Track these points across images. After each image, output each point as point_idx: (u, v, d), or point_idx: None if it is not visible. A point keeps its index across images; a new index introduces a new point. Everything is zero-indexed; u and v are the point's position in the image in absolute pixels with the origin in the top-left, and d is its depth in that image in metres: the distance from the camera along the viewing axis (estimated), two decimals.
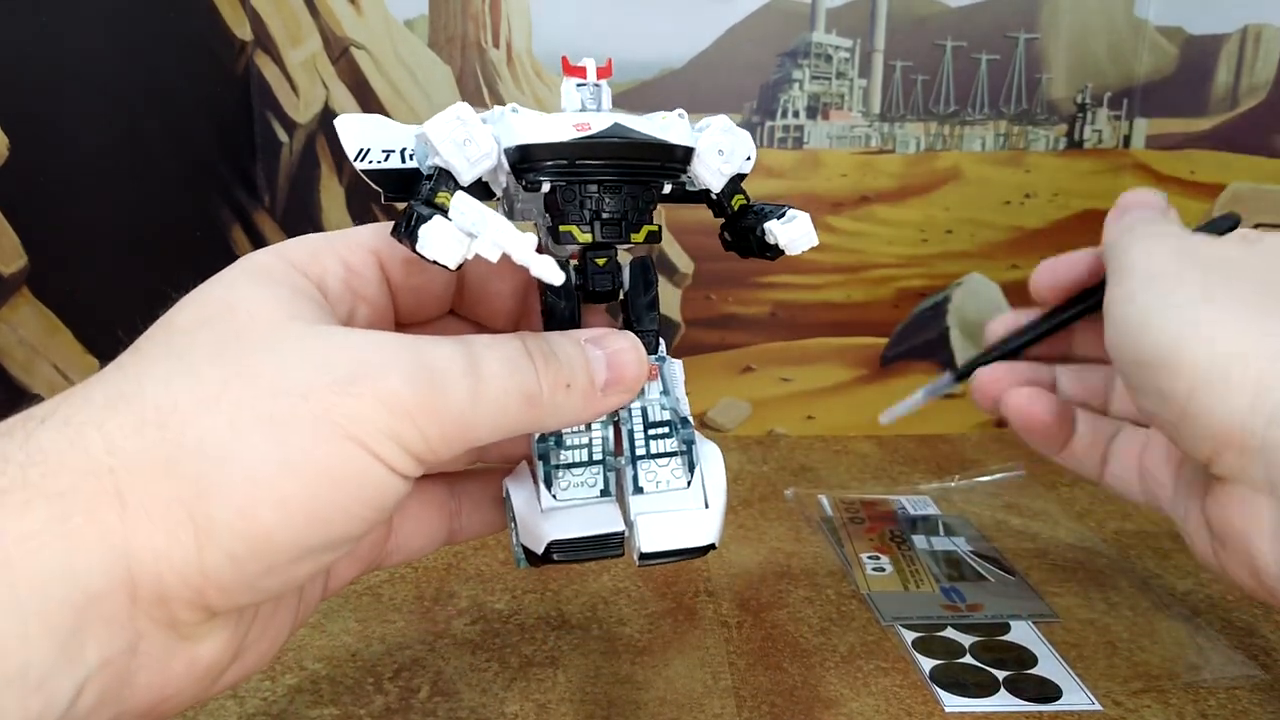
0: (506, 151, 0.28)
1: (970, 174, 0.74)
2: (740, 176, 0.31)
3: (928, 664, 0.44)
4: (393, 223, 0.28)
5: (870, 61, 0.72)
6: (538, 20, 0.69)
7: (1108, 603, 0.49)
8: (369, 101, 0.69)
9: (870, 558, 0.54)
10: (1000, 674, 0.43)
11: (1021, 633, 0.46)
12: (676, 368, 0.32)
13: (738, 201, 0.31)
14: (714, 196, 0.31)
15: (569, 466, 0.30)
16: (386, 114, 0.69)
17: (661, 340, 0.32)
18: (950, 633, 0.46)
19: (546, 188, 0.29)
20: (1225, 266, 0.29)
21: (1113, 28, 0.73)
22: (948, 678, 0.43)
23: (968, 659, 0.44)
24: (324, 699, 0.41)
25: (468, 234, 0.26)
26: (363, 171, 0.30)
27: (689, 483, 0.30)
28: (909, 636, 0.46)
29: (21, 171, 0.55)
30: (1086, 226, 0.76)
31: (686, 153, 0.29)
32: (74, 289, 0.59)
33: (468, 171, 0.28)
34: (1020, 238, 0.74)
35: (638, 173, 0.29)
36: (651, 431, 0.31)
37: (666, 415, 0.31)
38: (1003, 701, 0.41)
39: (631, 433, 0.31)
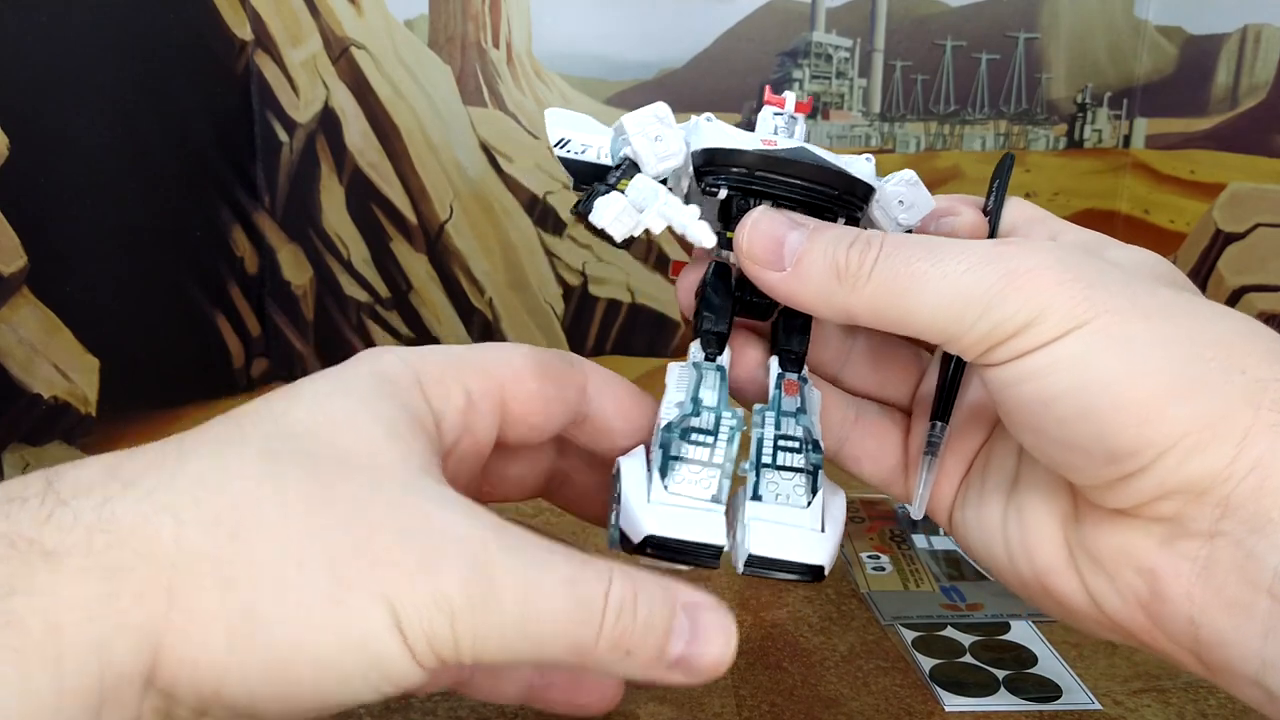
0: (693, 155, 0.30)
1: (970, 174, 0.74)
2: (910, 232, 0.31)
3: (928, 663, 0.44)
4: (573, 205, 0.30)
5: (870, 61, 0.72)
6: (538, 20, 0.69)
7: None
8: (369, 102, 0.69)
9: (870, 557, 0.54)
10: (1000, 673, 0.43)
11: (1021, 632, 0.46)
12: (816, 397, 0.32)
13: None
14: None
15: (688, 462, 0.29)
16: (387, 114, 0.69)
17: (805, 366, 0.32)
18: (950, 632, 0.46)
19: (723, 194, 0.30)
20: (1159, 313, 0.26)
21: (1113, 28, 0.73)
22: (948, 677, 0.43)
23: (968, 658, 0.44)
24: None
25: (638, 210, 0.28)
26: (559, 157, 0.31)
27: (809, 504, 0.30)
28: (909, 636, 0.46)
29: (21, 171, 0.55)
30: (1087, 226, 0.76)
31: (866, 191, 0.30)
32: (74, 289, 0.59)
33: (654, 165, 0.29)
34: None
35: (813, 196, 0.30)
36: (782, 443, 0.30)
37: (799, 431, 0.30)
38: (1003, 701, 0.41)
39: (761, 440, 0.30)
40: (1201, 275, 0.71)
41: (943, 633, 0.46)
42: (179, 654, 0.22)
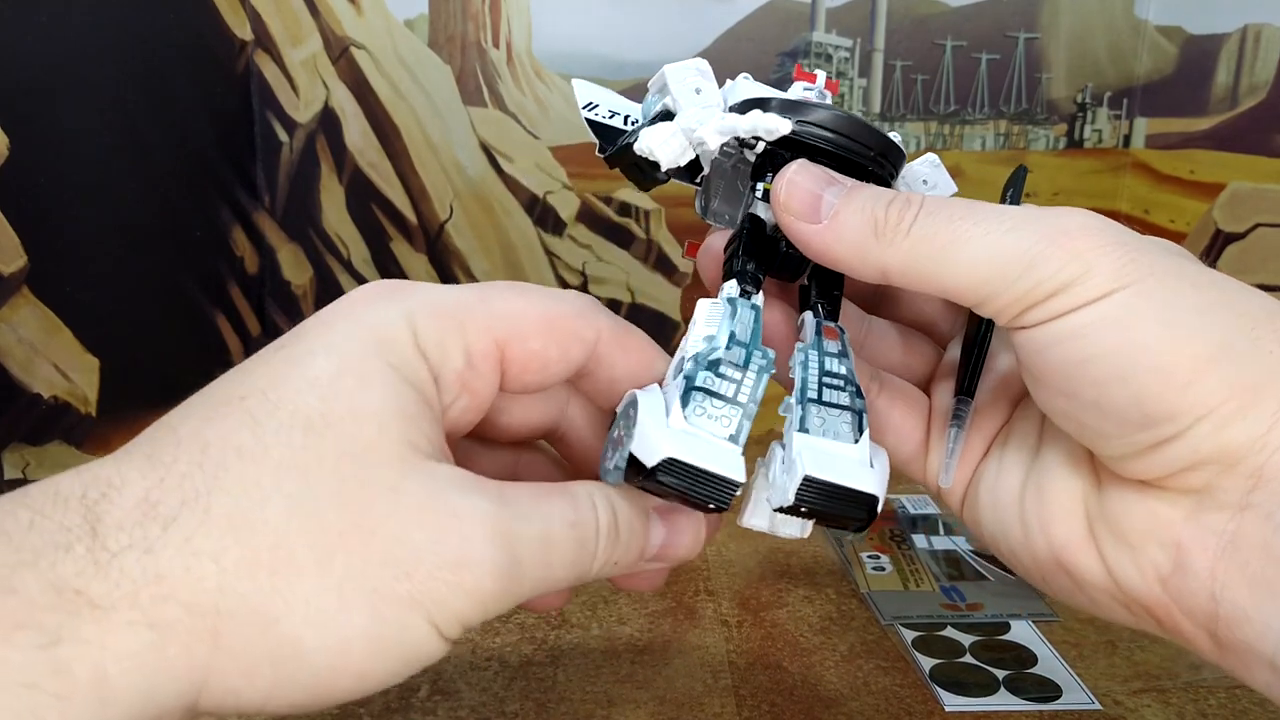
0: (732, 107, 0.29)
1: (971, 173, 0.74)
2: None
3: (928, 663, 0.44)
4: (599, 150, 0.31)
5: (870, 61, 0.72)
6: (538, 20, 0.69)
7: None
8: (369, 101, 0.69)
9: (870, 557, 0.54)
10: (1000, 673, 0.43)
11: (1021, 632, 0.46)
12: (851, 354, 0.31)
13: None
14: None
15: (712, 395, 0.28)
16: (387, 114, 0.69)
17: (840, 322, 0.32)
18: (950, 632, 0.46)
19: (762, 146, 0.29)
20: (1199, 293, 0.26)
21: (1113, 28, 0.73)
22: (948, 677, 0.43)
23: (968, 658, 0.44)
24: None
25: (690, 131, 0.28)
26: (587, 120, 0.32)
27: (858, 440, 0.29)
28: (909, 636, 0.46)
29: (21, 171, 0.55)
30: None
31: (899, 157, 0.30)
32: (74, 289, 0.59)
33: (692, 116, 0.29)
34: None
35: (851, 153, 0.29)
36: (827, 380, 0.29)
37: (844, 370, 0.29)
38: (1003, 701, 0.41)
39: (805, 377, 0.29)
40: None
41: (943, 633, 0.46)
42: (224, 688, 0.23)
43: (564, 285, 0.73)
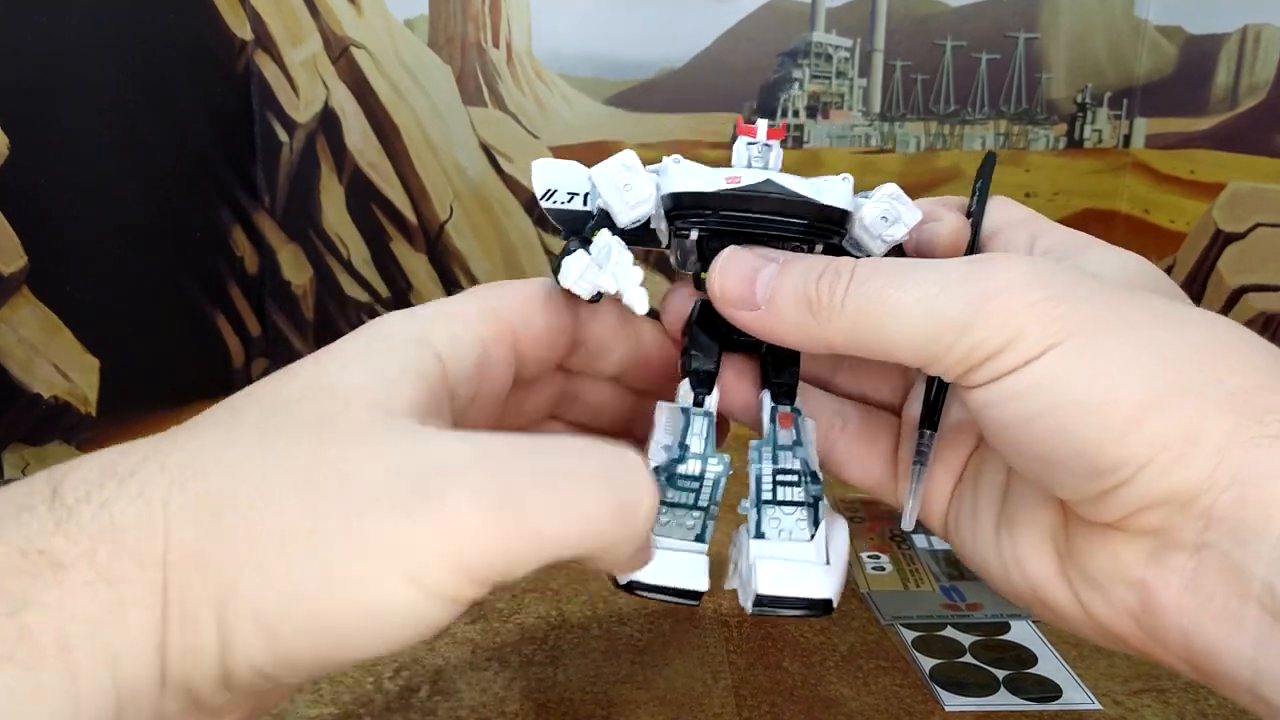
0: (662, 199, 0.29)
1: (970, 174, 0.74)
2: (899, 247, 0.31)
3: (928, 663, 0.44)
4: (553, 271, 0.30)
5: (870, 61, 0.72)
6: (538, 20, 0.69)
7: None
8: (369, 102, 0.69)
9: (870, 557, 0.54)
10: (1000, 673, 0.43)
11: (1021, 632, 0.46)
12: (810, 425, 0.32)
13: None
14: None
15: (673, 506, 0.30)
16: (387, 114, 0.69)
17: (798, 395, 0.32)
18: (950, 632, 0.46)
19: (695, 235, 0.30)
20: (1140, 329, 0.26)
21: (1113, 28, 0.73)
22: (948, 677, 0.43)
23: (968, 658, 0.44)
24: (324, 699, 0.41)
25: (599, 268, 0.28)
26: (546, 210, 0.31)
27: (812, 536, 0.30)
28: (909, 636, 0.46)
29: (21, 171, 0.55)
30: (1087, 226, 0.76)
31: (840, 215, 0.29)
32: (74, 289, 0.59)
33: (626, 214, 0.29)
34: None
35: (782, 229, 0.29)
36: (780, 478, 0.30)
37: (797, 464, 0.30)
38: (1003, 701, 0.41)
39: (760, 477, 0.30)
40: (1201, 275, 0.71)
41: (943, 633, 0.46)
42: (180, 652, 0.22)
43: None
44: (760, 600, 0.29)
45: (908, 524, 0.33)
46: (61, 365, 0.59)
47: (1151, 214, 0.74)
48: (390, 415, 0.24)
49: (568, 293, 0.30)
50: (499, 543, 0.22)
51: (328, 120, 0.69)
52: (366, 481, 0.22)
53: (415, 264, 0.72)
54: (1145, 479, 0.24)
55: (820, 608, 0.29)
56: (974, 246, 0.33)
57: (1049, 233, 0.32)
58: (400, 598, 0.22)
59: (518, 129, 0.71)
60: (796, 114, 0.72)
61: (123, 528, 0.22)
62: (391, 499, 0.22)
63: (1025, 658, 0.44)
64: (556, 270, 0.29)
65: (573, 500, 0.23)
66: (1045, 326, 0.25)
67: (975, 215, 0.33)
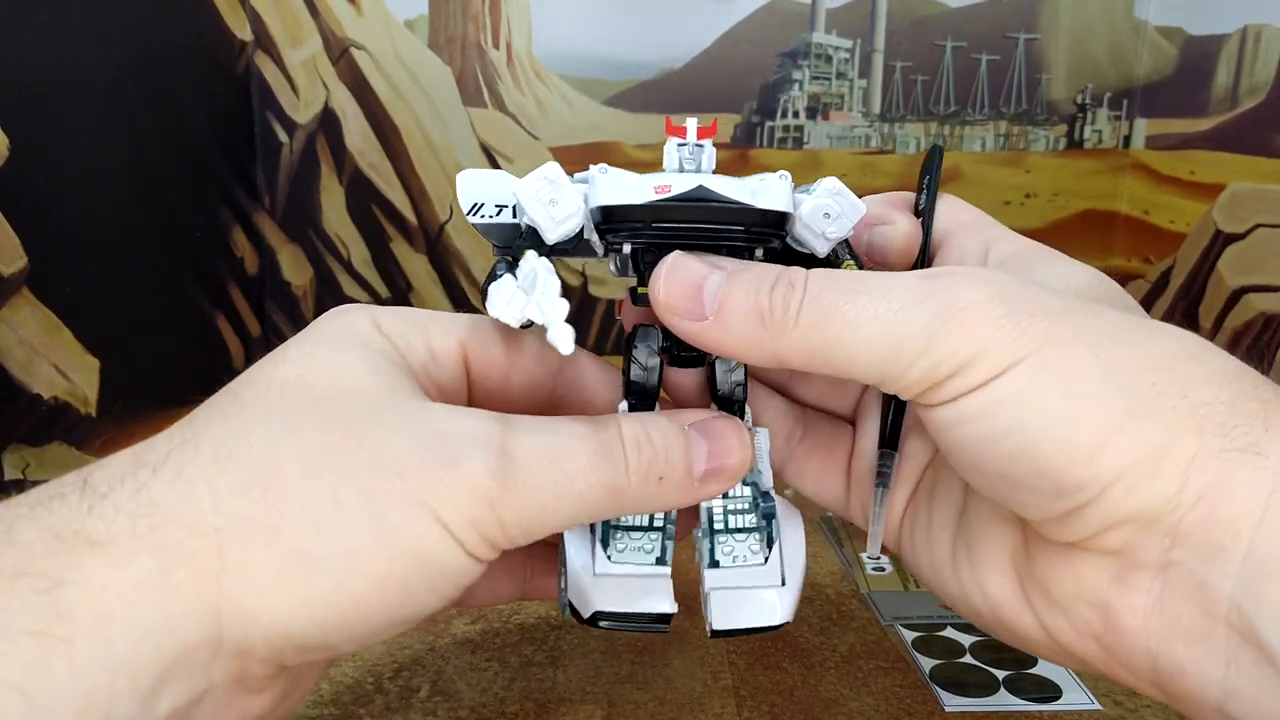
0: (591, 212, 0.28)
1: (970, 174, 0.74)
2: (846, 242, 0.30)
3: (928, 663, 0.44)
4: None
5: (870, 62, 0.72)
6: (538, 20, 0.69)
7: None
8: (369, 102, 0.69)
9: (870, 557, 0.54)
10: (1000, 673, 0.43)
11: None
12: (763, 437, 0.31)
13: (848, 266, 0.30)
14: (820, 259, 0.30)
15: (628, 529, 0.30)
16: (387, 114, 0.69)
17: (748, 409, 0.31)
18: (950, 632, 0.46)
19: (627, 249, 0.28)
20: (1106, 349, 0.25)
21: (1113, 28, 0.73)
22: (948, 677, 0.43)
23: (967, 658, 0.44)
24: (324, 699, 0.41)
25: (526, 295, 0.26)
26: (474, 224, 0.30)
27: (766, 559, 0.30)
28: (909, 636, 0.46)
29: (21, 171, 0.55)
30: (1087, 226, 0.76)
31: (778, 217, 0.28)
32: (74, 289, 0.59)
33: (553, 231, 0.28)
34: None
35: (718, 237, 0.28)
36: (731, 505, 0.30)
37: (747, 491, 0.30)
38: (1002, 701, 0.41)
39: (710, 507, 0.30)
40: (1201, 276, 0.71)
41: (943, 633, 0.46)
42: (241, 610, 0.23)
43: (564, 285, 0.73)
44: (716, 634, 0.30)
45: (873, 549, 0.32)
46: (61, 365, 0.59)
47: (1151, 215, 0.74)
48: (392, 394, 0.26)
49: (498, 323, 0.28)
50: (508, 510, 0.25)
51: (328, 121, 0.69)
52: (399, 450, 0.25)
53: (415, 264, 0.72)
54: (1111, 498, 0.24)
55: (775, 629, 0.30)
56: (925, 249, 0.32)
57: (1003, 240, 0.31)
58: (445, 549, 0.24)
59: (518, 130, 0.71)
60: (796, 115, 0.72)
61: (164, 504, 0.23)
62: (424, 465, 0.24)
63: (1025, 658, 0.44)
64: (484, 297, 0.27)
65: (570, 482, 0.26)
66: (1008, 343, 0.24)
67: (925, 217, 0.32)
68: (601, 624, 0.29)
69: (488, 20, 0.69)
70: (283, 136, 0.69)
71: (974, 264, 0.31)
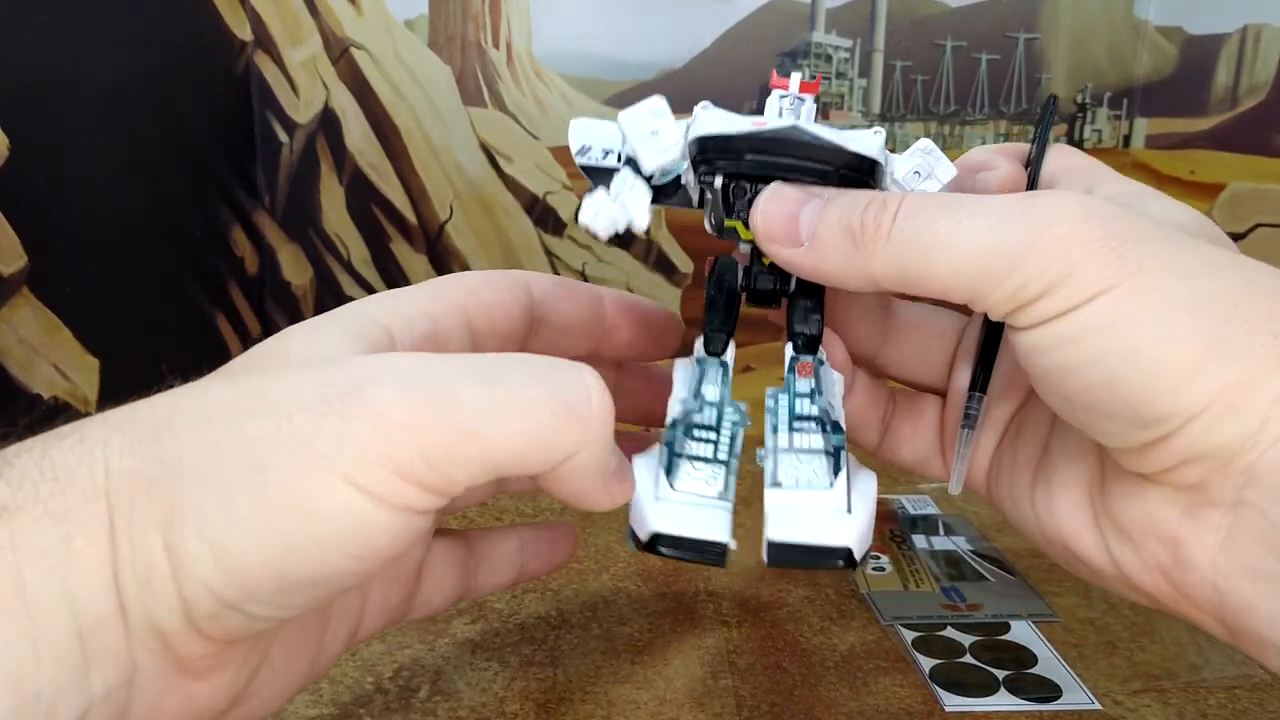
0: (688, 145, 0.29)
1: None
2: None
3: (928, 663, 0.44)
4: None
5: (870, 61, 0.72)
6: (538, 20, 0.69)
7: (1108, 602, 0.49)
8: (369, 102, 0.69)
9: (870, 557, 0.54)
10: (1000, 673, 0.43)
11: (1021, 632, 0.46)
12: (836, 378, 0.31)
13: None
14: None
15: (693, 459, 0.29)
16: (387, 114, 0.69)
17: (823, 348, 0.31)
18: (950, 632, 0.46)
19: (719, 182, 0.29)
20: (1209, 286, 0.25)
21: (1113, 28, 0.73)
22: (948, 677, 0.43)
23: (968, 658, 0.44)
24: (324, 699, 0.41)
25: (614, 199, 0.28)
26: (580, 166, 0.31)
27: (832, 484, 0.28)
28: (909, 636, 0.46)
29: (21, 171, 0.55)
30: None
31: (870, 165, 0.28)
32: (74, 289, 0.59)
33: (652, 160, 0.29)
34: None
35: (809, 174, 0.28)
36: (796, 425, 0.29)
37: (814, 411, 0.29)
38: (1003, 701, 0.41)
39: (776, 427, 0.29)
40: None
41: (943, 633, 0.46)
42: (135, 581, 0.22)
43: None
44: (771, 548, 0.27)
45: (955, 488, 0.32)
46: (61, 365, 0.59)
47: None
48: (325, 359, 0.25)
49: (522, 279, 0.31)
50: (430, 436, 0.22)
51: (328, 121, 0.69)
52: (300, 395, 0.22)
53: (415, 264, 0.72)
54: (1192, 433, 0.24)
55: (840, 556, 0.27)
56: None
57: (1108, 182, 0.31)
58: (339, 500, 0.22)
59: (517, 129, 0.71)
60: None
61: (63, 467, 0.22)
62: (324, 405, 0.22)
63: (1025, 658, 0.44)
64: (578, 213, 0.29)
65: (509, 396, 0.23)
66: (1100, 268, 0.24)
67: (1034, 163, 0.32)
68: (660, 549, 0.28)
69: (488, 20, 0.69)
70: (283, 136, 0.69)
71: None
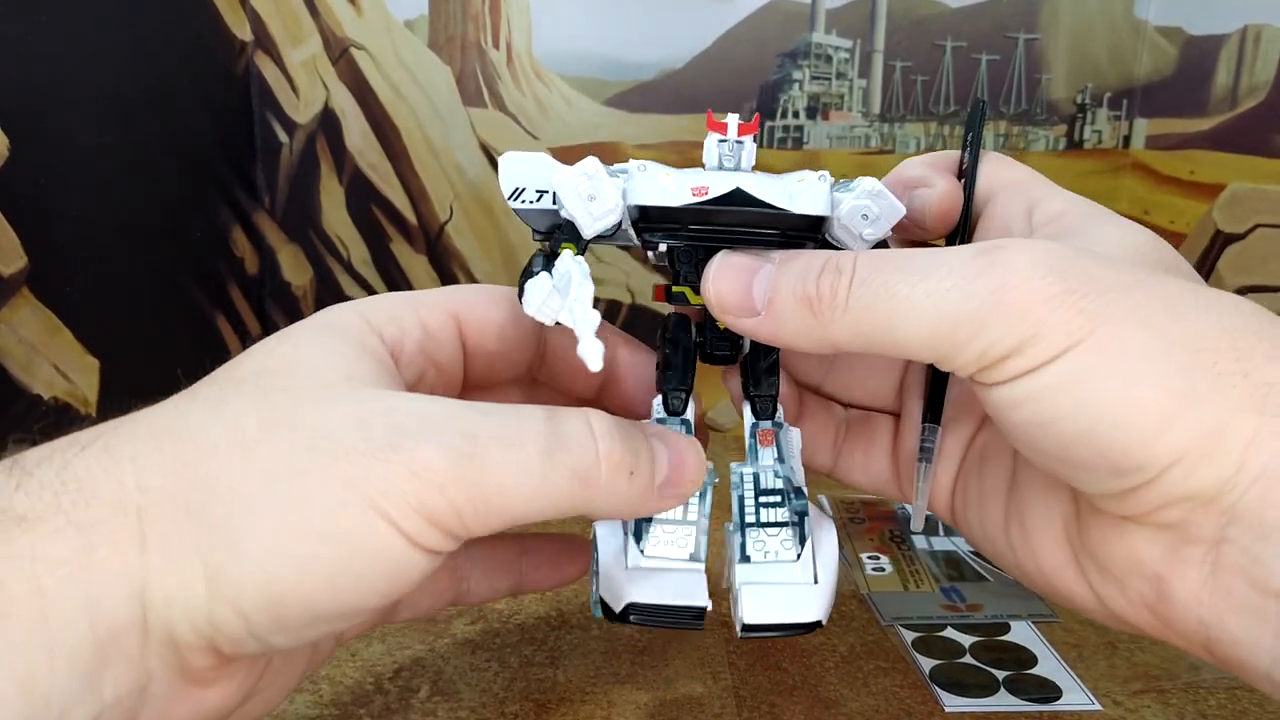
0: (629, 209, 0.28)
1: None
2: (884, 243, 0.30)
3: (928, 664, 0.44)
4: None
5: (870, 62, 0.72)
6: (538, 20, 0.69)
7: None
8: (369, 102, 0.69)
9: (870, 558, 0.54)
10: (1000, 674, 0.43)
11: (1021, 633, 0.46)
12: (794, 436, 0.31)
13: None
14: None
15: (662, 523, 0.29)
16: (387, 115, 0.69)
17: (780, 407, 0.31)
18: (950, 633, 0.46)
19: (664, 247, 0.29)
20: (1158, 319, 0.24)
21: (1113, 28, 0.73)
22: (948, 678, 0.43)
23: (968, 659, 0.44)
24: (324, 699, 0.41)
25: (561, 297, 0.26)
26: (514, 210, 0.30)
27: (799, 555, 0.29)
28: (909, 636, 0.46)
29: (21, 171, 0.55)
30: None
31: (815, 221, 0.28)
32: (74, 289, 0.59)
33: (590, 226, 0.28)
34: None
35: (755, 239, 0.28)
36: (763, 499, 0.30)
37: (779, 484, 0.30)
38: (1003, 701, 0.41)
39: (742, 499, 0.30)
40: (1201, 276, 0.71)
41: (943, 633, 0.46)
42: (164, 596, 0.22)
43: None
44: (746, 629, 0.29)
45: (917, 525, 0.32)
46: (61, 365, 0.59)
47: (1151, 215, 0.74)
48: (347, 380, 0.26)
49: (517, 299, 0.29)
50: (464, 493, 0.23)
51: (328, 121, 0.69)
52: (338, 431, 0.23)
53: (415, 265, 0.72)
54: (1170, 480, 0.24)
55: (807, 629, 0.29)
56: (967, 214, 0.31)
57: (1050, 199, 0.30)
58: (380, 536, 0.23)
59: (518, 130, 0.71)
60: (796, 115, 0.72)
61: (87, 479, 0.22)
62: (367, 446, 0.23)
63: (1025, 658, 0.44)
64: (521, 292, 0.28)
65: (530, 465, 0.24)
66: (1063, 324, 0.24)
67: (968, 174, 0.32)
68: (633, 618, 0.28)
69: (488, 20, 0.69)
70: (283, 136, 0.69)
71: (1019, 227, 0.30)
